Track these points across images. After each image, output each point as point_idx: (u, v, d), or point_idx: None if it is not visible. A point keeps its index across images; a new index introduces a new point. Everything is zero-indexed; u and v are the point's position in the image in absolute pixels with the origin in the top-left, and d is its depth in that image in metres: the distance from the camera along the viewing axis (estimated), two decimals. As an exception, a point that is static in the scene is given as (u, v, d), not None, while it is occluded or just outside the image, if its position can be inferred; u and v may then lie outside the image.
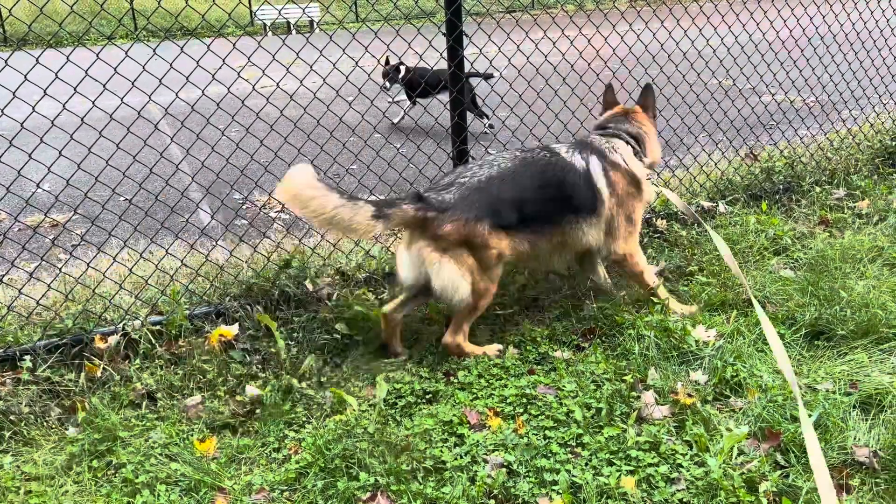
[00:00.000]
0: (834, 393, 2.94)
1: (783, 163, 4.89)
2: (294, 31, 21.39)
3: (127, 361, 3.17)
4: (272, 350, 3.19)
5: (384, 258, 3.74)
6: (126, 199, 3.75)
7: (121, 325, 3.21)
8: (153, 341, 3.19)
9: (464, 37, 3.51)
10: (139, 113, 3.46)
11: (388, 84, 8.52)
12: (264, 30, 21.99)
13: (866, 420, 2.76)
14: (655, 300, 3.51)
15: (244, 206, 5.63)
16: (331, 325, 3.34)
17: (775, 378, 3.04)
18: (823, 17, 4.94)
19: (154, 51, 3.21)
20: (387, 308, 3.28)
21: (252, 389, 3.01)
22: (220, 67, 3.39)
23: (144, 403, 2.98)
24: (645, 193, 3.50)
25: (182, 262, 3.48)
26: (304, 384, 3.05)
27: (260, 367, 3.16)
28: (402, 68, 8.42)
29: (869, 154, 4.97)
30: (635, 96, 3.79)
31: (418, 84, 7.69)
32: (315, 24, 22.44)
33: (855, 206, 4.56)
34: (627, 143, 3.49)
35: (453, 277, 3.05)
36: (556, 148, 3.37)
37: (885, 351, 3.18)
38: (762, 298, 3.64)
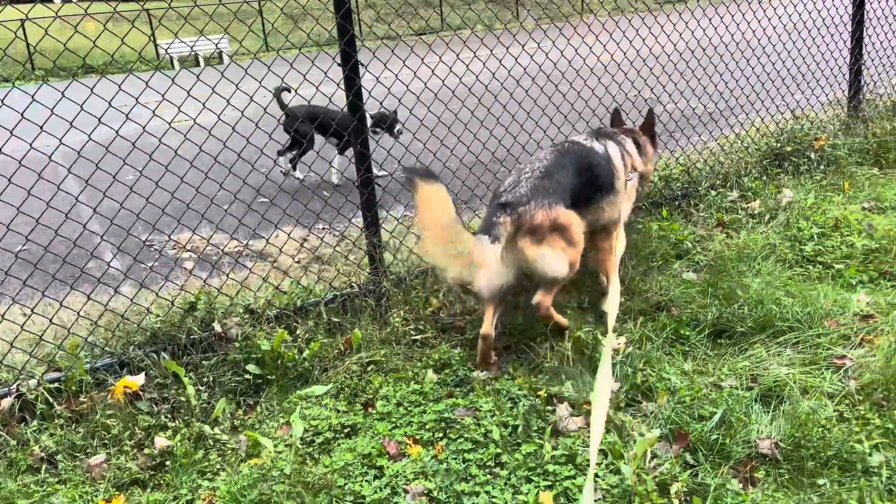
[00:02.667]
0: (737, 389, 3.07)
1: (679, 170, 5.10)
2: (204, 64, 20.99)
3: (23, 424, 2.99)
4: (181, 397, 3.08)
5: (294, 292, 3.68)
6: (21, 249, 3.56)
7: (14, 385, 3.04)
8: (51, 400, 3.03)
9: (359, 66, 3.51)
10: (22, 158, 3.30)
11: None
12: (172, 64, 21.48)
13: (768, 412, 2.89)
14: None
15: (152, 249, 5.45)
16: (242, 366, 3.26)
17: (683, 379, 3.15)
18: (727, 26, 5.22)
19: (62, 93, 3.10)
20: (485, 329, 3.34)
21: (161, 441, 2.89)
22: (103, 107, 3.27)
23: (44, 467, 2.82)
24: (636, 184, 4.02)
25: (78, 313, 3.33)
26: (216, 430, 2.96)
27: (169, 416, 3.04)
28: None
29: (757, 156, 5.25)
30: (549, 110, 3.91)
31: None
32: (225, 56, 22.06)
33: (748, 207, 4.80)
34: (632, 140, 4.07)
35: (553, 261, 3.31)
36: (577, 139, 3.83)
37: (781, 344, 3.34)
38: (667, 302, 3.78)
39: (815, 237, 4.32)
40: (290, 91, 6.36)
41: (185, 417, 3.03)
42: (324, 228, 5.19)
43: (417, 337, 3.56)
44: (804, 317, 3.47)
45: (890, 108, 6.01)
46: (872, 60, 5.98)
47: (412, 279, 3.86)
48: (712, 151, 5.33)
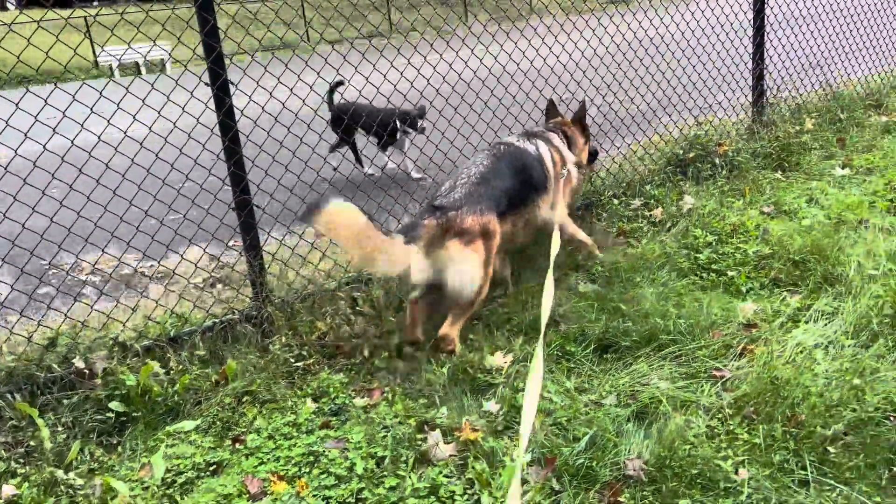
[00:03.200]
0: (616, 406, 3.03)
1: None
2: (144, 72, 20.49)
3: None
4: (34, 441, 2.91)
5: (168, 321, 3.53)
6: None
7: None
8: None
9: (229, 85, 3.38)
10: None
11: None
12: (111, 72, 20.92)
13: (640, 431, 2.85)
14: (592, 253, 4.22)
15: (52, 272, 5.22)
16: (105, 403, 3.10)
17: (564, 398, 3.09)
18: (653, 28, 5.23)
19: None
20: (413, 295, 3.47)
21: (8, 489, 2.72)
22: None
23: None
24: (572, 176, 4.17)
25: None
26: (70, 475, 2.80)
27: (22, 461, 2.87)
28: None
29: (661, 163, 5.26)
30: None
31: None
32: (166, 64, 21.58)
33: (650, 215, 4.80)
34: (561, 137, 4.22)
35: (472, 268, 3.40)
36: (510, 140, 3.97)
37: (664, 357, 3.32)
38: (559, 317, 3.73)
39: (713, 244, 4.33)
40: (342, 85, 6.51)
41: (38, 462, 2.86)
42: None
43: (299, 364, 3.44)
44: (688, 328, 3.45)
45: (794, 110, 6.10)
46: (775, 64, 6.07)
47: (299, 303, 3.74)
48: (614, 160, 5.32)
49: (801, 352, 3.28)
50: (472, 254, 3.38)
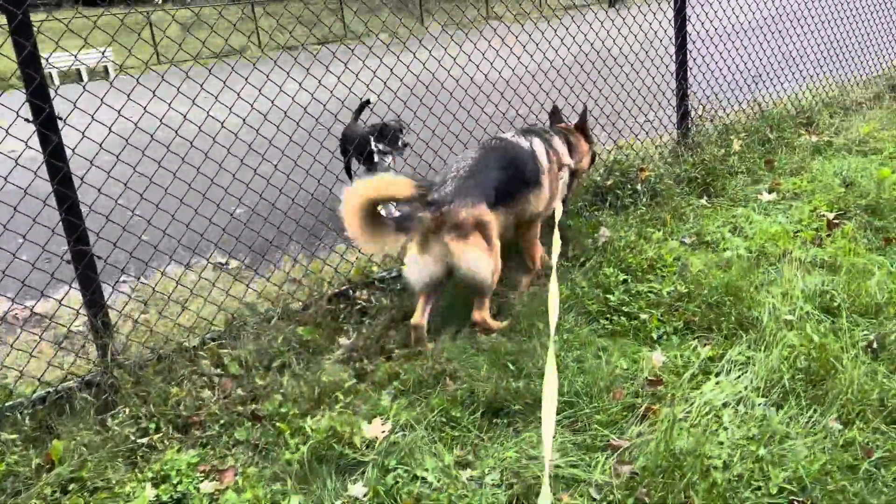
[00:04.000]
0: (497, 487, 2.66)
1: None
2: (87, 79, 19.72)
3: None
4: None
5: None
6: None
7: None
8: None
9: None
10: None
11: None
12: (51, 79, 20.09)
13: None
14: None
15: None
16: None
17: (441, 476, 2.71)
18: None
19: None
20: (414, 319, 3.55)
21: None
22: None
23: None
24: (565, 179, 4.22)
25: None
26: None
27: None
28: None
29: (580, 191, 4.93)
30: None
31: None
32: (110, 71, 20.83)
33: (563, 251, 4.44)
34: (563, 140, 4.26)
35: (479, 259, 3.49)
36: (504, 136, 4.01)
37: (557, 423, 2.95)
38: (450, 372, 3.34)
39: (627, 282, 4.00)
40: (370, 104, 6.06)
41: None
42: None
43: (143, 440, 2.99)
44: (585, 388, 3.10)
45: (722, 131, 5.83)
46: (700, 84, 5.80)
47: (154, 364, 3.29)
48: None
49: (708, 412, 2.95)
50: (474, 247, 3.49)
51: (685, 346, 3.47)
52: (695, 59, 5.57)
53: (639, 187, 4.95)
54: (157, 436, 3.03)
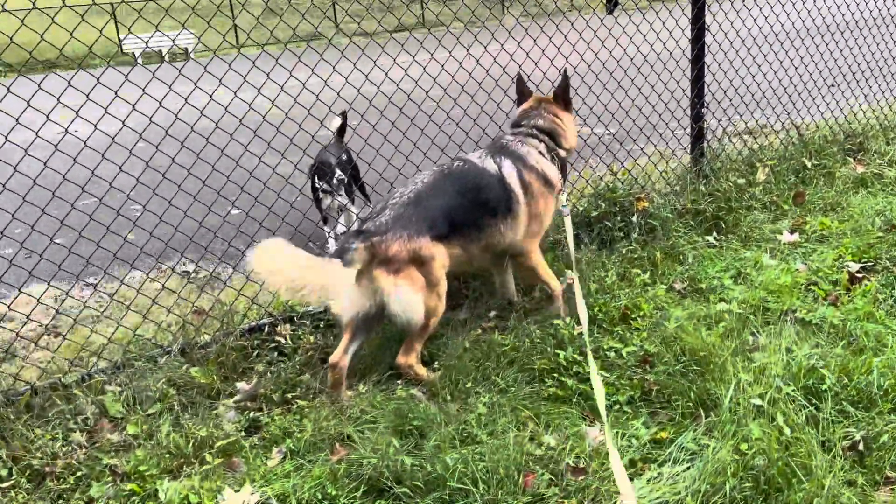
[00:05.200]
0: None
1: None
2: (167, 61, 20.28)
3: None
4: None
5: None
6: None
7: None
8: None
9: None
10: None
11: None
12: (134, 58, 20.75)
13: None
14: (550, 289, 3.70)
15: None
16: None
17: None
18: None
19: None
20: (333, 358, 3.17)
21: None
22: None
23: None
24: (556, 190, 3.66)
25: None
26: None
27: None
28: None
29: (560, 220, 4.37)
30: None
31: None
32: (190, 53, 21.38)
33: (532, 290, 3.92)
34: (540, 140, 3.67)
35: (409, 297, 3.13)
36: (469, 157, 3.57)
37: (437, 521, 2.47)
38: (348, 433, 2.90)
39: (582, 336, 3.44)
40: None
41: None
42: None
43: (-13, 490, 2.69)
44: (487, 472, 2.59)
45: (747, 156, 5.12)
46: (720, 103, 5.10)
47: (25, 397, 3.00)
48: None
49: (629, 521, 2.40)
50: (404, 282, 3.12)
51: (633, 422, 2.91)
52: (714, 74, 4.89)
53: (633, 219, 4.35)
54: (5, 484, 2.72)
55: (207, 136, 3.58)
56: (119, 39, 21.25)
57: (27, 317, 3.44)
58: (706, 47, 4.71)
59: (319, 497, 2.60)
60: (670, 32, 4.74)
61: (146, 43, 19.95)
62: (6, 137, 3.20)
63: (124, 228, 3.75)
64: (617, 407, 3.03)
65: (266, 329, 3.50)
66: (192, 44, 21.39)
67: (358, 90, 4.29)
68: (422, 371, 3.26)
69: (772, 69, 5.38)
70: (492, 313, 3.75)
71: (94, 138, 3.43)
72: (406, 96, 4.21)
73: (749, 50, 5.23)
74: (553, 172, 3.66)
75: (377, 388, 3.17)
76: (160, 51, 21.75)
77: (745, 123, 5.38)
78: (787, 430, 2.63)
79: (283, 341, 3.44)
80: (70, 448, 2.87)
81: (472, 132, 4.50)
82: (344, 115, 5.18)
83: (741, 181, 4.84)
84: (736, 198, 4.68)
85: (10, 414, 2.91)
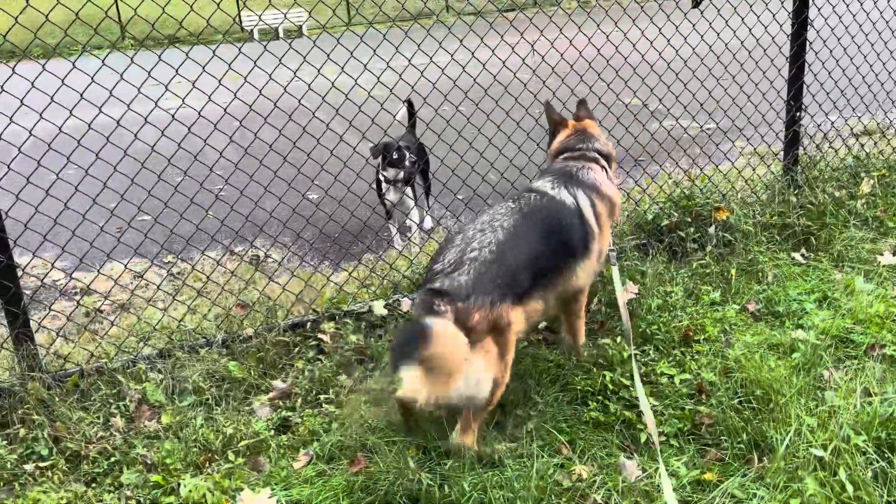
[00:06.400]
0: None
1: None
2: (282, 37, 21.04)
3: None
4: None
5: None
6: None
7: None
8: None
9: None
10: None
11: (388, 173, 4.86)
12: (251, 36, 21.60)
13: None
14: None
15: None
16: None
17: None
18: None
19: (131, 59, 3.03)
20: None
21: None
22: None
23: None
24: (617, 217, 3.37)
25: None
26: None
27: None
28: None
29: (626, 228, 4.10)
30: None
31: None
32: (303, 30, 22.06)
33: (589, 303, 3.69)
34: (601, 165, 3.30)
35: (481, 375, 2.58)
36: (543, 188, 3.09)
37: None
38: (371, 444, 2.82)
39: (639, 357, 3.22)
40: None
41: None
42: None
43: (28, 466, 2.80)
44: (506, 502, 2.44)
45: (851, 166, 4.63)
46: (821, 105, 4.61)
47: (73, 380, 3.11)
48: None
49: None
50: (479, 358, 2.58)
51: (676, 459, 2.67)
52: (815, 73, 4.43)
53: (710, 230, 4.03)
54: (45, 464, 2.82)
55: (312, 113, 3.65)
56: (239, 17, 22.16)
57: (105, 296, 3.62)
58: (807, 44, 4.27)
59: (334, 508, 2.54)
60: (765, 27, 4.33)
61: (260, 17, 20.66)
62: (128, 107, 3.26)
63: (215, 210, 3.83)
64: (663, 439, 2.80)
65: (309, 325, 3.47)
66: (305, 21, 21.98)
67: (463, 68, 4.15)
68: (478, 447, 2.76)
69: (884, 66, 4.83)
70: (542, 324, 3.57)
71: (204, 113, 3.53)
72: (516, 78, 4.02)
73: (858, 45, 4.70)
74: (617, 198, 3.30)
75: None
76: (276, 28, 22.43)
77: (851, 128, 4.85)
78: (849, 488, 2.34)
79: (324, 339, 3.40)
80: (109, 433, 2.95)
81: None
82: (409, 102, 5.04)
83: (840, 193, 4.38)
84: (832, 212, 4.24)
85: (56, 395, 3.01)
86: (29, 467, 2.80)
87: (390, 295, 3.74)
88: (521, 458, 2.69)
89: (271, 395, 3.13)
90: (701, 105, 4.47)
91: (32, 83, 2.80)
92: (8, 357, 3.14)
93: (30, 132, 3.05)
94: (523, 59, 3.98)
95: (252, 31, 21.98)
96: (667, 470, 2.58)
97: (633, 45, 4.11)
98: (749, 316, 3.58)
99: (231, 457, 2.78)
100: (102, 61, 3.07)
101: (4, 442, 2.87)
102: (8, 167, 3.12)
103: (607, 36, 4.02)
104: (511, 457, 2.68)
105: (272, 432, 2.97)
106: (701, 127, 5.83)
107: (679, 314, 3.51)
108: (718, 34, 4.32)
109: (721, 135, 4.88)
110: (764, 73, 4.45)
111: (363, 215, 4.25)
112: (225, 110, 3.46)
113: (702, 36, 4.26)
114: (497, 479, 2.52)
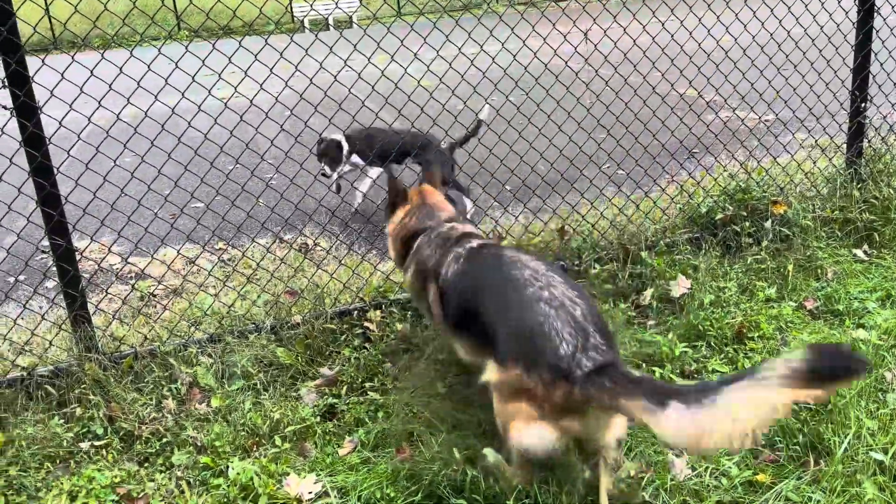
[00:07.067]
0: None
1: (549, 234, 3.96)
2: (332, 27, 21.27)
3: None
4: None
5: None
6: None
7: None
8: None
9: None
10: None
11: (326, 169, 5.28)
12: (302, 26, 21.86)
13: None
14: None
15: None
16: None
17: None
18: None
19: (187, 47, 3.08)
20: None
21: None
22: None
23: None
24: None
25: None
26: None
27: None
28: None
29: (680, 220, 4.00)
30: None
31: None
32: (353, 20, 22.22)
33: (636, 298, 3.62)
34: None
35: None
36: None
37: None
38: (418, 433, 2.82)
39: (688, 356, 3.14)
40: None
41: None
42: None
43: (84, 445, 2.88)
44: (550, 497, 2.41)
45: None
46: (887, 96, 4.41)
47: (127, 362, 3.18)
48: (619, 210, 4.13)
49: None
50: None
51: (728, 458, 2.60)
52: (882, 63, 4.23)
53: (766, 224, 3.90)
54: (100, 443, 2.91)
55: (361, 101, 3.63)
56: (290, 7, 22.37)
57: (159, 280, 3.71)
58: (874, 32, 4.08)
59: (378, 496, 2.54)
60: (830, 15, 4.16)
61: (312, 6, 20.89)
62: (183, 95, 3.34)
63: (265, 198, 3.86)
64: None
65: (355, 313, 3.49)
66: (356, 11, 22.10)
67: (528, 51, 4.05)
68: None
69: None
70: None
71: (256, 102, 3.57)
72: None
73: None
74: None
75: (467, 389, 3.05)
76: (327, 18, 22.62)
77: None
78: (912, 495, 2.24)
79: (370, 327, 3.41)
80: (161, 414, 3.02)
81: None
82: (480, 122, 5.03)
83: (905, 187, 4.19)
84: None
85: (111, 376, 3.09)
86: (84, 445, 2.89)
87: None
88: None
89: (318, 381, 3.16)
90: (760, 95, 4.32)
91: (91, 72, 2.86)
92: (66, 338, 3.24)
93: (89, 119, 3.13)
94: (575, 48, 3.91)
95: (303, 21, 22.22)
96: (713, 470, 2.52)
97: (690, 34, 3.99)
98: (807, 314, 3.46)
99: (278, 441, 2.81)
100: (159, 50, 3.12)
101: (62, 420, 2.96)
102: (68, 153, 3.22)
103: (662, 23, 3.92)
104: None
105: (318, 419, 2.99)
106: (759, 118, 5.68)
107: (732, 310, 3.42)
108: (780, 21, 4.16)
109: (781, 126, 4.71)
110: (828, 62, 4.27)
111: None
112: (276, 99, 3.50)
113: (762, 23, 4.11)
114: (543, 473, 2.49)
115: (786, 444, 2.60)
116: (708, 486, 2.46)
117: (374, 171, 5.29)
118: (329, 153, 5.16)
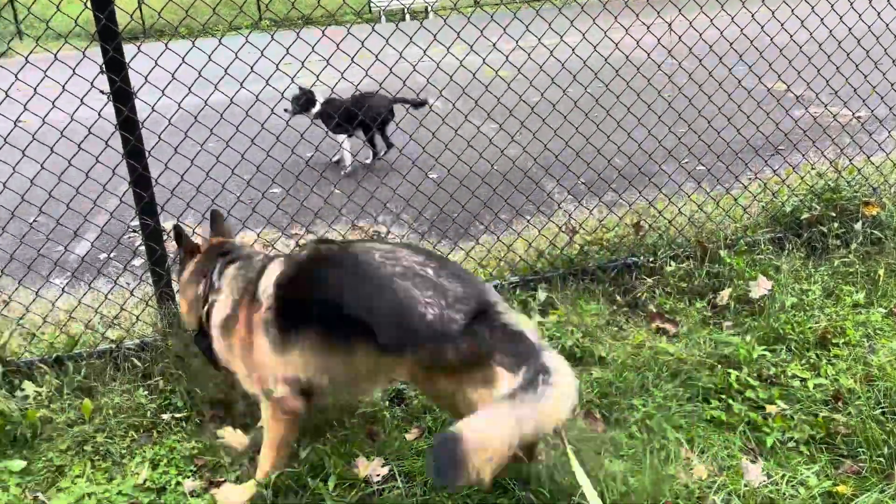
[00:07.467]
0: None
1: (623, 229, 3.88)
2: (409, 18, 21.51)
3: None
4: None
5: (55, 337, 3.31)
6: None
7: None
8: None
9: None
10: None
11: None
12: (379, 18, 22.17)
13: None
14: None
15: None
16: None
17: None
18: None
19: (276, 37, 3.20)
20: None
21: None
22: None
23: None
24: None
25: None
26: None
27: None
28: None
29: (762, 220, 3.86)
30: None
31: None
32: (430, 11, 22.39)
33: (714, 297, 3.52)
34: None
35: None
36: None
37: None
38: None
39: (766, 360, 3.03)
40: None
41: None
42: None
43: (165, 416, 3.02)
44: (617, 495, 2.38)
45: None
46: None
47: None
48: (698, 207, 4.01)
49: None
50: None
51: (807, 467, 2.51)
52: None
53: (857, 226, 3.72)
54: (180, 415, 3.04)
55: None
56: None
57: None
58: None
59: (442, 483, 2.57)
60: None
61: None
62: (267, 82, 3.42)
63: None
64: (792, 444, 2.63)
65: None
66: (434, 1, 22.19)
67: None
68: None
69: None
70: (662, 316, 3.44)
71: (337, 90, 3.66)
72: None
73: None
74: None
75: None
76: (403, 9, 22.81)
77: None
78: None
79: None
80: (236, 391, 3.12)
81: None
82: None
83: None
84: None
85: (192, 352, 3.22)
86: (166, 417, 3.03)
87: (506, 277, 3.74)
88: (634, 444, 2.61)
89: (387, 367, 3.20)
90: (855, 90, 4.11)
91: (183, 59, 2.98)
92: (152, 314, 3.39)
93: (179, 105, 3.26)
94: (658, 40, 3.81)
95: (380, 12, 22.46)
96: (790, 478, 2.44)
97: (782, 25, 3.83)
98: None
99: (347, 424, 2.87)
100: (246, 38, 3.22)
101: (146, 392, 3.10)
102: (159, 137, 3.36)
103: (752, 14, 3.77)
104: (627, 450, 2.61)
105: (386, 403, 3.04)
106: (853, 114, 5.40)
107: (816, 314, 3.28)
108: (879, 13, 3.95)
109: (876, 123, 4.47)
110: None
111: (484, 195, 4.25)
112: (356, 88, 3.55)
113: (860, 15, 3.91)
114: (615, 467, 2.46)
115: (869, 455, 2.49)
116: (784, 494, 2.38)
117: (340, 138, 5.72)
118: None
